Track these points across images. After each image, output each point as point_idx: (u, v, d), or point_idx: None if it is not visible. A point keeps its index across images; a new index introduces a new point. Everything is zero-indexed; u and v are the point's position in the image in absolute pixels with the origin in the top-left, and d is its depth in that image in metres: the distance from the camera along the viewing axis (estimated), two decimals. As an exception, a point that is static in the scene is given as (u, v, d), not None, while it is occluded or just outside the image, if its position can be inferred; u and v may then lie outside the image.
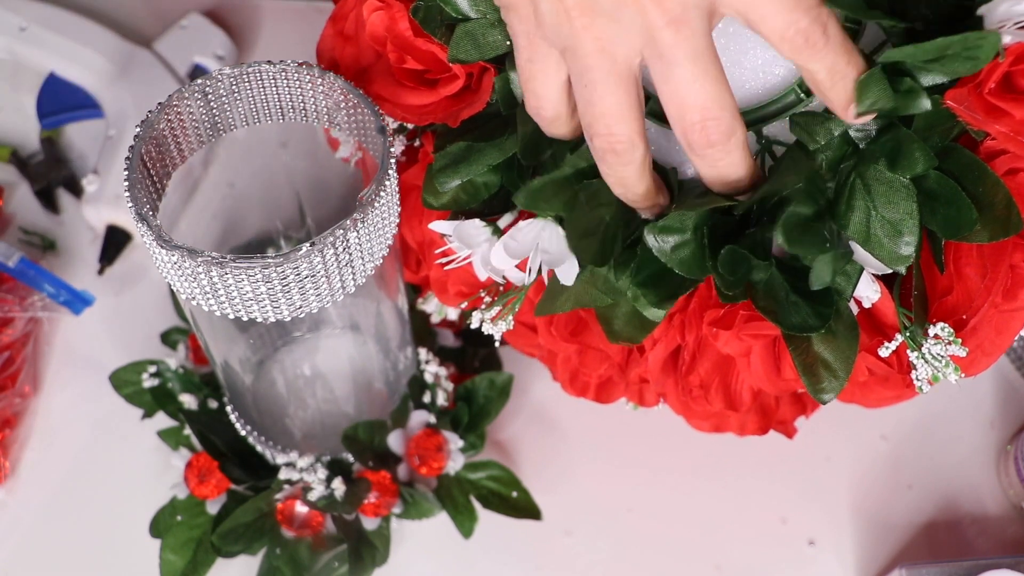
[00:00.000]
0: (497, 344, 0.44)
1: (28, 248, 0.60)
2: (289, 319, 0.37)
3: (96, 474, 0.53)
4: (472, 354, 0.55)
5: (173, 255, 0.34)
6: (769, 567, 0.52)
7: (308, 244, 0.34)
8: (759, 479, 0.54)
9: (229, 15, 0.71)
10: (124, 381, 0.53)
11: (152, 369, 0.52)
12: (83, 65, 0.63)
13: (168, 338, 0.55)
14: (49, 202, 0.62)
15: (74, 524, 0.52)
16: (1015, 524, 0.53)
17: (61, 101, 0.63)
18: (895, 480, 0.55)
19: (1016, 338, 0.58)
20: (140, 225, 0.34)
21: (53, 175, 0.62)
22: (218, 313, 0.36)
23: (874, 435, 0.56)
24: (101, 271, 0.59)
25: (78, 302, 0.57)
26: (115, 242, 0.59)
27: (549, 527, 0.52)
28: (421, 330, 0.53)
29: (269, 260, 0.33)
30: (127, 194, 0.35)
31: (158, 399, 0.52)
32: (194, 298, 0.36)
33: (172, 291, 0.55)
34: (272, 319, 0.36)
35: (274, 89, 0.39)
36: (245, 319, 0.36)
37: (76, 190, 0.62)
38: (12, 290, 0.56)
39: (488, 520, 0.52)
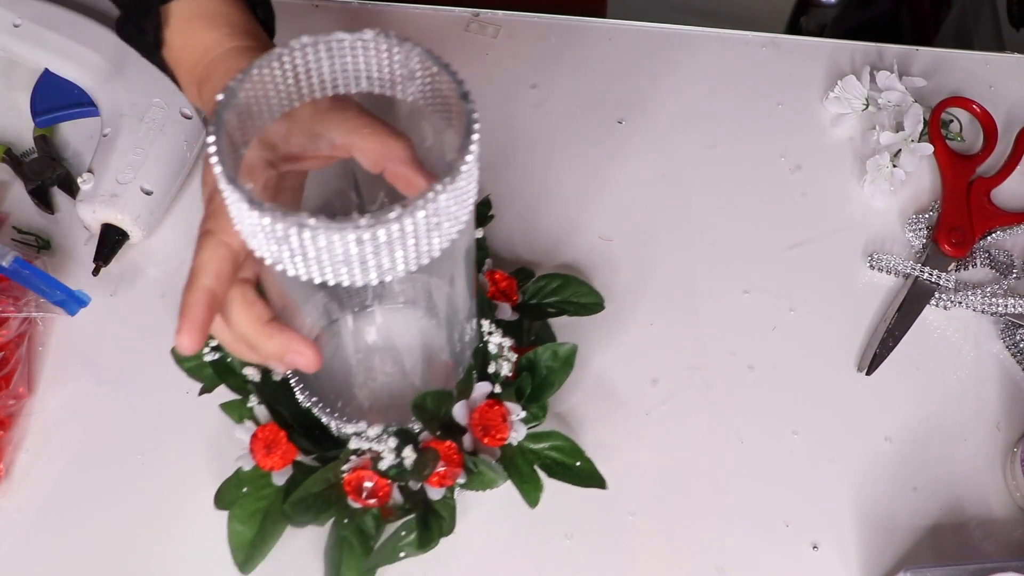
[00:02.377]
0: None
1: (23, 248, 0.59)
2: (376, 282, 0.37)
3: (91, 476, 0.53)
4: (528, 328, 0.55)
5: (265, 217, 0.34)
6: (772, 570, 0.51)
7: (399, 206, 0.34)
8: (762, 482, 0.54)
9: (226, 11, 0.70)
10: (185, 355, 0.52)
11: (213, 343, 0.52)
12: (78, 62, 0.62)
13: None
14: (44, 201, 0.61)
15: (69, 527, 0.51)
16: (1022, 527, 0.53)
17: (55, 99, 0.63)
18: (899, 482, 0.54)
19: (1024, 340, 0.58)
20: (230, 189, 0.35)
21: (47, 174, 0.61)
22: (304, 277, 0.37)
23: (878, 437, 0.55)
24: (96, 271, 0.58)
25: (73, 302, 0.56)
26: (110, 241, 0.58)
27: (550, 529, 0.52)
28: (481, 302, 0.53)
29: (362, 222, 0.34)
30: (215, 159, 0.35)
31: (219, 372, 0.52)
32: (280, 262, 0.36)
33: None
34: (359, 283, 0.37)
35: (352, 59, 0.40)
36: (332, 283, 0.37)
37: (71, 189, 0.61)
38: (6, 290, 0.56)
39: (487, 523, 0.51)
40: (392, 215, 0.34)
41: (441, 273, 0.48)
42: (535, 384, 0.51)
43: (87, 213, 0.58)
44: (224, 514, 0.52)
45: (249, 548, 0.48)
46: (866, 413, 0.56)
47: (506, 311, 0.54)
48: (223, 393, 0.55)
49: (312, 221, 0.34)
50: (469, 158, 0.36)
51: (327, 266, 0.36)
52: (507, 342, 0.51)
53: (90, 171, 0.58)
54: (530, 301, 0.56)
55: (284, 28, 0.70)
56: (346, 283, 0.37)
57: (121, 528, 0.51)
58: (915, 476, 0.54)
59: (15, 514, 0.52)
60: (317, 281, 0.36)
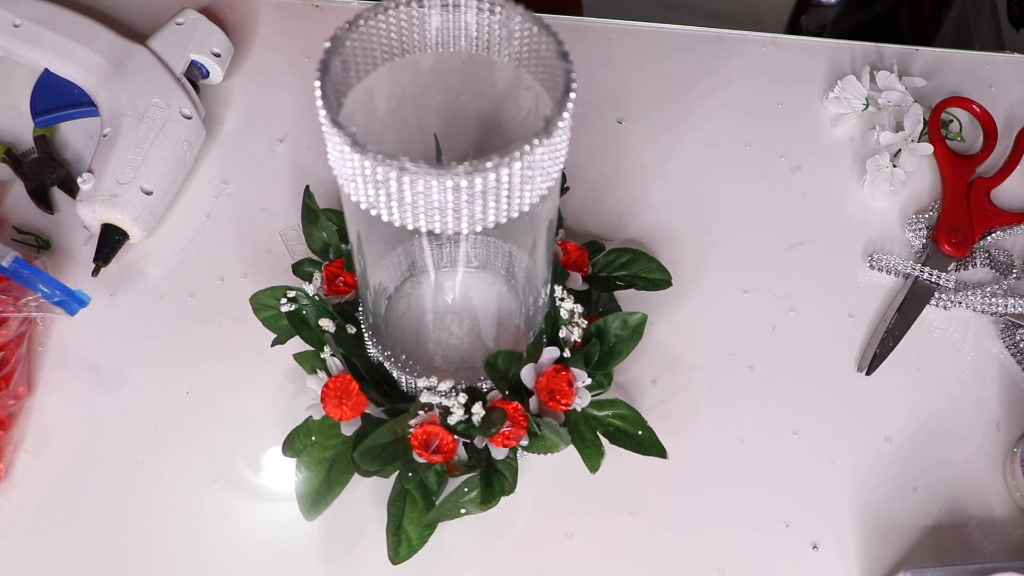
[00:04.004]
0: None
1: (22, 248, 0.59)
2: (466, 231, 0.38)
3: (91, 476, 0.53)
4: (596, 299, 0.56)
5: (366, 160, 0.35)
6: (772, 570, 0.51)
7: (497, 156, 0.35)
8: (762, 482, 0.54)
9: (225, 11, 0.70)
10: (262, 305, 0.54)
11: (290, 294, 0.53)
12: (78, 62, 0.62)
13: (301, 269, 0.56)
14: (43, 201, 0.61)
15: (69, 527, 0.51)
16: (1022, 527, 0.53)
17: (55, 99, 0.63)
18: (899, 482, 0.54)
19: (1024, 340, 0.58)
20: (334, 131, 0.36)
21: (47, 174, 0.61)
22: (398, 223, 0.37)
23: (878, 437, 0.55)
24: (96, 271, 0.58)
25: (73, 302, 0.56)
26: (110, 241, 0.58)
27: (549, 530, 0.52)
28: (556, 270, 0.54)
29: (460, 169, 0.35)
30: (320, 103, 0.36)
31: (294, 324, 0.52)
32: (376, 207, 0.37)
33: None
34: (451, 231, 0.37)
35: (454, 16, 0.41)
36: (424, 230, 0.37)
37: (71, 189, 0.61)
38: (6, 290, 0.55)
39: (487, 524, 0.51)
40: (490, 164, 0.35)
41: (524, 239, 0.50)
42: (603, 352, 0.52)
43: (87, 213, 0.58)
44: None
45: (315, 495, 0.49)
46: (866, 413, 0.56)
47: (577, 281, 0.55)
48: (227, 392, 0.55)
49: (412, 165, 0.34)
50: (565, 115, 0.37)
51: (421, 212, 0.37)
52: (579, 308, 0.52)
53: (90, 171, 0.58)
54: (599, 273, 0.57)
55: (284, 29, 0.71)
56: (438, 231, 0.37)
57: (120, 528, 0.51)
58: (915, 476, 0.54)
59: (15, 514, 0.52)
60: (410, 227, 0.37)
